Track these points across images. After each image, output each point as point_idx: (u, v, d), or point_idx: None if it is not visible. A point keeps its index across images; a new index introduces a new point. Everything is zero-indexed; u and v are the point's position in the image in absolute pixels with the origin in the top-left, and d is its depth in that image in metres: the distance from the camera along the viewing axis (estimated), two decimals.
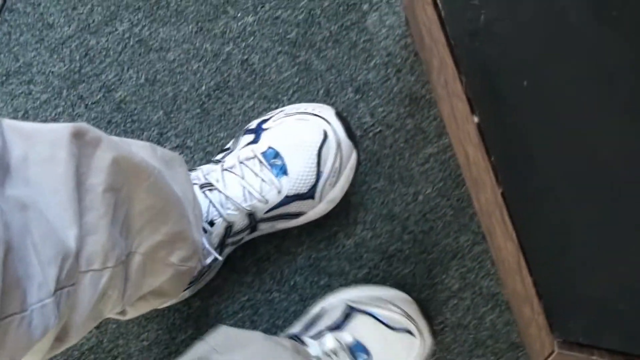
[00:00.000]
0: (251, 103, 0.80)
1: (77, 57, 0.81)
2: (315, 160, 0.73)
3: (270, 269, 0.82)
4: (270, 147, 0.73)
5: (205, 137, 0.81)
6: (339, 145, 0.73)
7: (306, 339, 0.75)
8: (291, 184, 0.73)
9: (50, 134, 0.48)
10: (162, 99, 0.81)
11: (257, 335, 0.71)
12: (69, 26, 0.81)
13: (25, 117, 0.82)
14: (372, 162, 0.81)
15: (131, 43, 0.80)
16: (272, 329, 0.83)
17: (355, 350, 0.75)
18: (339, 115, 0.74)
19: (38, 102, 0.81)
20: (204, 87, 0.80)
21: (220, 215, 0.70)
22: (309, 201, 0.75)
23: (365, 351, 0.75)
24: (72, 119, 0.82)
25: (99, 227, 0.50)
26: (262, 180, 0.72)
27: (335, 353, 0.74)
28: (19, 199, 0.44)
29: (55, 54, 0.81)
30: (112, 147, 0.52)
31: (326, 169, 0.73)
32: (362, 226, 0.82)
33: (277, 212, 0.74)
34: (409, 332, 0.76)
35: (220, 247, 0.72)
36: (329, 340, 0.75)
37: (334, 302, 0.80)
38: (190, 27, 0.80)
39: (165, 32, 0.80)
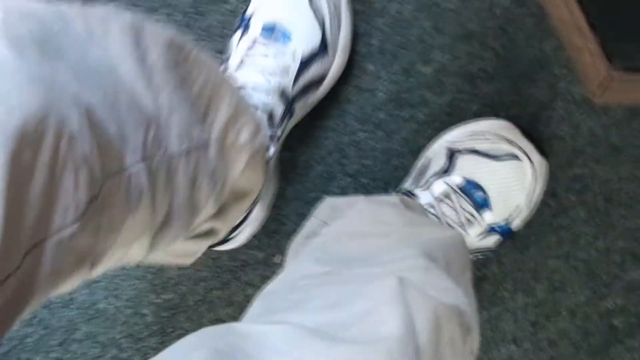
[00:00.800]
0: None
1: None
2: (313, 14, 0.73)
3: (352, 109, 0.81)
4: (265, 23, 0.72)
5: None
6: None
7: (417, 191, 0.74)
8: (301, 45, 0.72)
9: (99, 12, 0.47)
10: None
11: (360, 199, 0.69)
12: None
13: None
14: None
15: None
16: (363, 170, 0.82)
17: (468, 190, 0.73)
18: None
19: None
20: None
21: (257, 108, 0.69)
22: (326, 58, 0.74)
23: (478, 187, 0.73)
24: None
25: (175, 104, 0.49)
26: (273, 56, 0.71)
27: (447, 196, 0.72)
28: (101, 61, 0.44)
29: None
30: (153, 27, 0.51)
31: (325, 15, 0.73)
32: (439, 51, 0.79)
33: (302, 83, 0.73)
34: (515, 156, 0.73)
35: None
36: (437, 186, 0.73)
37: (436, 148, 0.78)
38: None
39: None
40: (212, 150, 0.55)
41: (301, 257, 0.62)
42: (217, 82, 0.56)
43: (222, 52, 0.77)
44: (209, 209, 0.59)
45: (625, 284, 0.81)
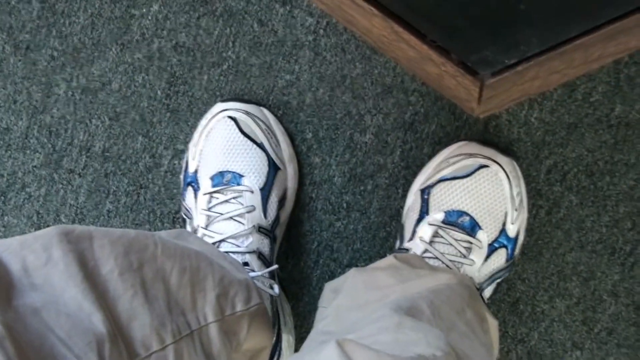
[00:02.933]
0: (205, 77, 0.80)
1: (45, 140, 0.83)
2: (251, 143, 0.75)
3: (319, 205, 0.81)
4: (212, 174, 0.75)
5: (188, 133, 0.81)
6: (250, 116, 0.76)
7: (407, 244, 0.73)
8: (254, 175, 0.74)
9: (39, 240, 0.48)
10: (133, 125, 0.82)
11: (351, 272, 0.69)
12: (21, 119, 0.83)
13: (40, 218, 0.84)
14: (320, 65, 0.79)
15: (77, 97, 0.82)
16: (356, 255, 0.81)
17: (453, 220, 0.72)
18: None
19: (41, 199, 0.83)
20: (159, 92, 0.81)
21: (243, 253, 0.70)
22: (280, 174, 0.76)
23: (461, 213, 0.72)
24: (76, 193, 0.83)
25: (136, 309, 0.49)
26: (235, 198, 0.73)
27: (436, 235, 0.71)
28: (29, 305, 0.44)
29: (26, 149, 0.83)
30: (105, 234, 0.51)
31: (261, 137, 0.75)
32: (369, 115, 0.80)
33: (271, 208, 0.74)
34: (482, 166, 0.73)
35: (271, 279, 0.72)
36: (423, 230, 0.72)
37: (410, 199, 0.78)
38: (113, 49, 0.81)
39: (97, 68, 0.81)
40: (213, 331, 0.55)
41: (307, 344, 0.62)
42: (194, 266, 0.56)
43: (177, 212, 0.78)
44: None
45: None
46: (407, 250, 0.73)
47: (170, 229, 0.83)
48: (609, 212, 0.78)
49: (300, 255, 0.82)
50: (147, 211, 0.83)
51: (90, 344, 0.45)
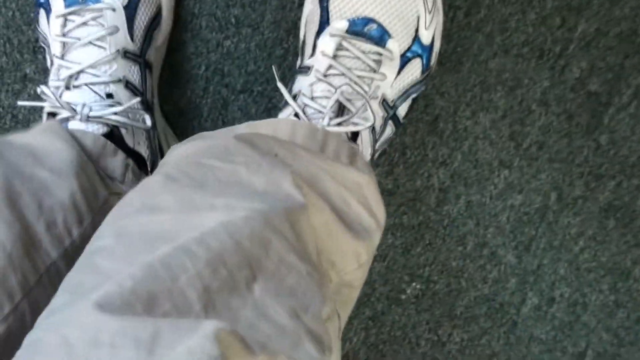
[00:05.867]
0: None
1: None
2: None
3: (203, 22, 0.70)
4: None
5: None
6: None
7: (309, 61, 0.62)
8: None
9: None
10: None
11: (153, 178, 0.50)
12: None
13: None
14: None
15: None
16: (251, 78, 0.71)
17: (358, 29, 0.60)
18: None
19: None
20: None
21: (107, 83, 0.60)
22: None
23: (366, 20, 0.60)
24: None
25: None
26: (93, 20, 0.61)
27: (340, 48, 0.60)
28: None
29: None
30: None
31: None
32: None
33: (138, 28, 0.63)
34: None
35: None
36: (324, 43, 0.60)
37: (308, 8, 0.65)
38: None
39: None
40: (62, 267, 0.49)
41: None
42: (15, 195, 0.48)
43: (38, 40, 0.66)
44: None
45: (579, 42, 0.69)
46: (308, 68, 0.62)
47: (31, 60, 0.71)
48: (536, 9, 0.68)
49: (187, 82, 0.71)
50: (1, 41, 0.70)
51: None
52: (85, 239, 0.49)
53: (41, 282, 0.47)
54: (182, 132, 0.72)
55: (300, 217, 0.47)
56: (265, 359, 0.35)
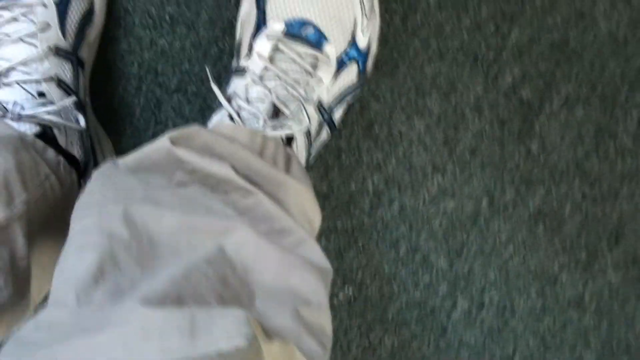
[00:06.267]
0: None
1: None
2: None
3: (136, 19, 0.68)
4: None
5: None
6: None
7: (244, 62, 0.61)
8: None
9: None
10: None
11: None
12: None
13: None
14: None
15: None
16: (185, 78, 0.69)
17: (295, 31, 0.60)
18: None
19: None
20: None
21: (38, 82, 0.58)
22: None
23: (303, 22, 0.60)
24: None
25: None
26: (22, 17, 0.58)
27: (276, 50, 0.59)
28: None
29: None
30: None
31: None
32: None
33: (70, 24, 0.61)
34: None
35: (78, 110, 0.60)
36: (260, 45, 0.60)
37: (244, 7, 0.64)
38: None
39: None
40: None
41: None
42: None
43: None
44: None
45: (512, 49, 0.70)
46: (244, 69, 0.61)
47: None
48: (470, 15, 0.69)
49: (119, 80, 0.69)
50: None
51: None
52: (11, 221, 0.48)
53: None
54: (113, 131, 0.70)
55: None
56: (279, 344, 0.39)
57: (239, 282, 0.43)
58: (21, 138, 0.54)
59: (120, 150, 0.70)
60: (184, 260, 0.42)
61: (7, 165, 0.51)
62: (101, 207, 0.46)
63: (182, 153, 0.50)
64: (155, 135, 0.71)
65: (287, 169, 0.56)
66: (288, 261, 0.46)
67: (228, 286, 0.42)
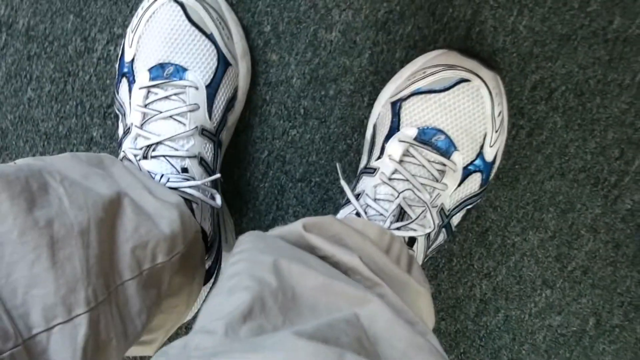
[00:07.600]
0: None
1: None
2: (198, 32, 0.64)
3: (272, 109, 0.71)
4: (151, 65, 0.64)
5: (128, 15, 0.70)
6: (200, 2, 0.65)
7: (374, 163, 0.64)
8: (199, 69, 0.64)
9: None
10: (64, 1, 0.70)
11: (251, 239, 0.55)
12: None
13: None
14: None
15: None
16: (311, 169, 0.72)
17: (426, 138, 0.62)
18: None
19: None
20: None
21: (183, 158, 0.61)
22: (230, 70, 0.66)
23: (435, 130, 0.63)
24: None
25: (38, 276, 0.42)
26: (176, 95, 0.63)
27: (407, 154, 0.62)
28: None
29: None
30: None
31: (211, 27, 0.65)
32: (337, 10, 0.70)
33: (217, 108, 0.65)
34: (462, 80, 0.63)
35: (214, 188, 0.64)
36: (392, 147, 0.62)
37: (378, 110, 0.68)
38: None
39: None
40: (130, 290, 0.49)
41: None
42: (110, 215, 0.49)
43: (110, 106, 0.68)
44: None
45: (634, 175, 0.71)
46: (374, 170, 0.64)
47: (100, 124, 0.72)
48: (596, 138, 0.70)
49: (248, 165, 0.72)
50: (74, 102, 0.72)
51: None
52: (165, 268, 0.51)
53: (105, 300, 0.48)
54: (236, 212, 0.73)
55: None
56: None
57: (372, 349, 0.44)
58: (181, 200, 0.58)
59: (240, 230, 0.73)
60: (324, 317, 0.43)
61: (172, 218, 0.54)
62: (253, 256, 0.48)
63: (314, 239, 0.53)
64: (275, 220, 0.73)
65: (409, 270, 0.57)
66: (417, 343, 0.46)
67: (363, 348, 0.43)
